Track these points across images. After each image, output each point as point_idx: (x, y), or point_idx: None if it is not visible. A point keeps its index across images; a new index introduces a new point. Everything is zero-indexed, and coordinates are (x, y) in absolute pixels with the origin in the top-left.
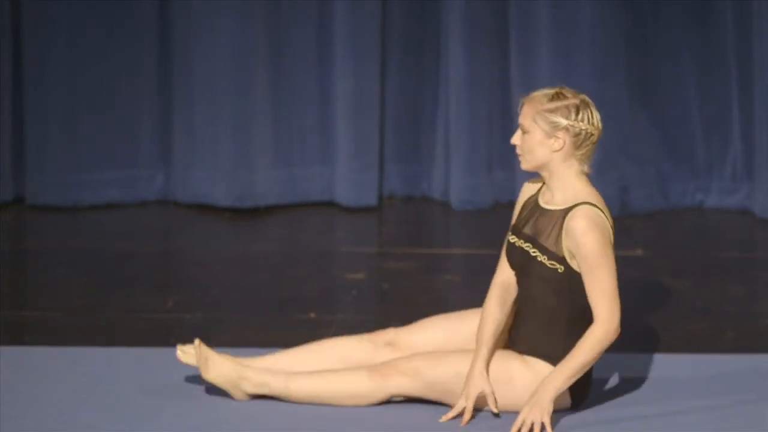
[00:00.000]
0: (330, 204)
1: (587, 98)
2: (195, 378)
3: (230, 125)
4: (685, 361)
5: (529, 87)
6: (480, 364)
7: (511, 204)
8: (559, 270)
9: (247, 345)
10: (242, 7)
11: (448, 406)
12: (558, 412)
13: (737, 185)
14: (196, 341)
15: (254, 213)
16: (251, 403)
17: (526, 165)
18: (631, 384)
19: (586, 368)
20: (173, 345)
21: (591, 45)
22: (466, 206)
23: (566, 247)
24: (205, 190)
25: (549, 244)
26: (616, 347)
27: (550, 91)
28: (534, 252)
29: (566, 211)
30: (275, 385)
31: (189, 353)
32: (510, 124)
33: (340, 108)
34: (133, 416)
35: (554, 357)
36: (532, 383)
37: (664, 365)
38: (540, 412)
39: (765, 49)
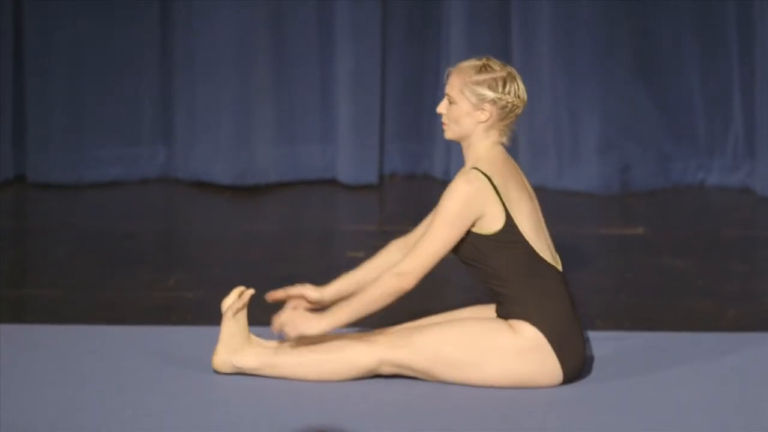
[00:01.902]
0: (331, 182)
1: (514, 71)
2: (197, 356)
3: (232, 103)
4: (686, 339)
5: (531, 66)
6: (328, 292)
7: None
8: (464, 235)
9: (248, 323)
10: None
11: (437, 383)
12: (551, 388)
13: (738, 163)
14: (247, 292)
15: (255, 191)
16: (252, 382)
17: (450, 134)
18: (631, 362)
19: (372, 306)
20: (174, 323)
21: (592, 25)
22: None
23: None
24: (206, 168)
25: None
26: (616, 325)
27: (478, 63)
28: None
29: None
30: (264, 354)
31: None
32: None
33: (342, 86)
34: (135, 394)
35: (530, 316)
36: (520, 347)
37: (665, 344)
38: (300, 325)
39: (767, 27)
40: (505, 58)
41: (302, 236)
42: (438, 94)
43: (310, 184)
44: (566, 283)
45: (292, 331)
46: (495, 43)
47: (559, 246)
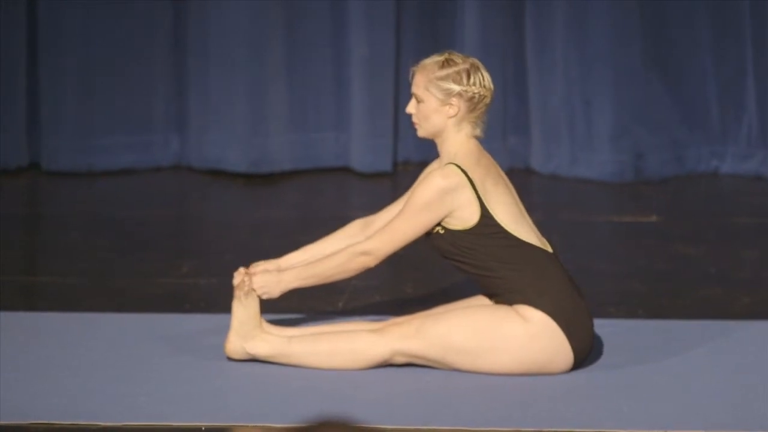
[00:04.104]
0: (345, 169)
1: (477, 61)
2: (210, 343)
3: (245, 90)
4: (699, 327)
5: (544, 53)
6: (287, 261)
7: (527, 170)
8: (441, 231)
9: (261, 310)
10: None
11: (450, 371)
12: (563, 374)
13: (752, 151)
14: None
15: (269, 178)
16: (265, 369)
17: (422, 132)
18: (644, 350)
19: (329, 278)
20: (188, 310)
21: (606, 11)
22: None
23: None
24: (220, 156)
25: None
26: (629, 313)
27: (440, 58)
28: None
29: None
30: (277, 342)
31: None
32: (525, 90)
33: (356, 73)
34: (148, 381)
35: (533, 300)
36: (530, 332)
37: (678, 331)
38: (258, 288)
39: None
40: (519, 45)
41: (316, 224)
42: None
43: (323, 171)
44: (561, 264)
45: (259, 291)
46: (508, 30)
47: (571, 234)
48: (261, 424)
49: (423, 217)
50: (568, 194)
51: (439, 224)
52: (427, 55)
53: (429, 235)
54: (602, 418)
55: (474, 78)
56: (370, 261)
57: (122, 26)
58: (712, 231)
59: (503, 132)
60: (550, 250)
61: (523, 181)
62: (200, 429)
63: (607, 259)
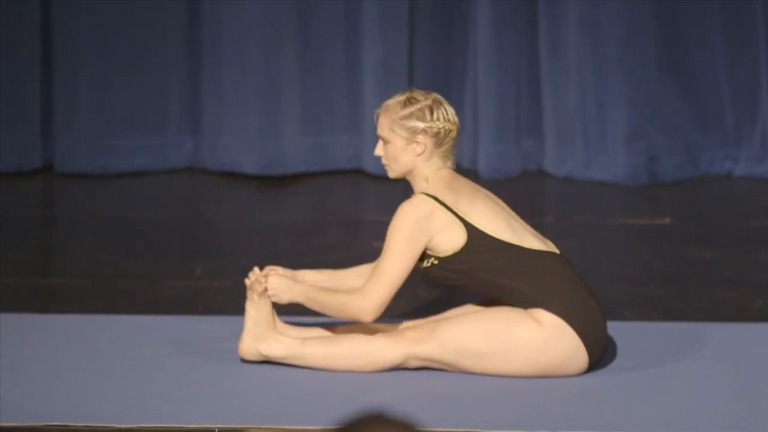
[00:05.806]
0: (358, 172)
1: (438, 96)
2: (223, 346)
3: (259, 93)
4: (713, 329)
5: (558, 56)
6: (302, 276)
7: (541, 172)
8: (434, 263)
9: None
10: None
11: (464, 374)
12: (577, 376)
13: (766, 153)
14: (272, 270)
15: (282, 181)
16: (278, 371)
17: (393, 174)
18: (658, 352)
19: (329, 311)
20: (201, 313)
21: (619, 13)
22: (495, 175)
23: None
24: (233, 158)
25: None
26: (643, 316)
27: (401, 98)
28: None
29: None
30: (291, 344)
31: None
32: (539, 92)
33: (369, 76)
34: (162, 384)
35: (543, 302)
36: (544, 335)
37: (692, 334)
38: (271, 290)
39: None
40: (532, 47)
41: (329, 226)
42: (466, 85)
43: (336, 174)
44: (570, 265)
45: (271, 292)
46: (522, 32)
47: (585, 236)
48: (274, 426)
49: (407, 251)
50: (582, 197)
51: (428, 257)
52: (440, 58)
53: (424, 272)
54: (616, 421)
55: (437, 113)
56: (369, 318)
57: (136, 29)
58: (726, 233)
59: (517, 135)
60: (557, 251)
61: (537, 184)
62: (213, 431)
63: (621, 261)
